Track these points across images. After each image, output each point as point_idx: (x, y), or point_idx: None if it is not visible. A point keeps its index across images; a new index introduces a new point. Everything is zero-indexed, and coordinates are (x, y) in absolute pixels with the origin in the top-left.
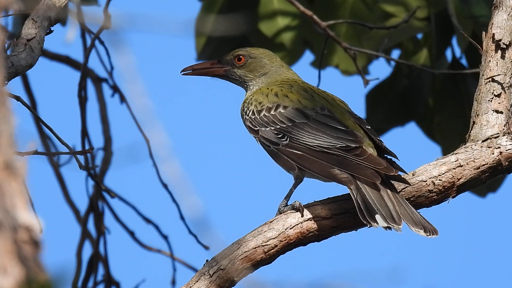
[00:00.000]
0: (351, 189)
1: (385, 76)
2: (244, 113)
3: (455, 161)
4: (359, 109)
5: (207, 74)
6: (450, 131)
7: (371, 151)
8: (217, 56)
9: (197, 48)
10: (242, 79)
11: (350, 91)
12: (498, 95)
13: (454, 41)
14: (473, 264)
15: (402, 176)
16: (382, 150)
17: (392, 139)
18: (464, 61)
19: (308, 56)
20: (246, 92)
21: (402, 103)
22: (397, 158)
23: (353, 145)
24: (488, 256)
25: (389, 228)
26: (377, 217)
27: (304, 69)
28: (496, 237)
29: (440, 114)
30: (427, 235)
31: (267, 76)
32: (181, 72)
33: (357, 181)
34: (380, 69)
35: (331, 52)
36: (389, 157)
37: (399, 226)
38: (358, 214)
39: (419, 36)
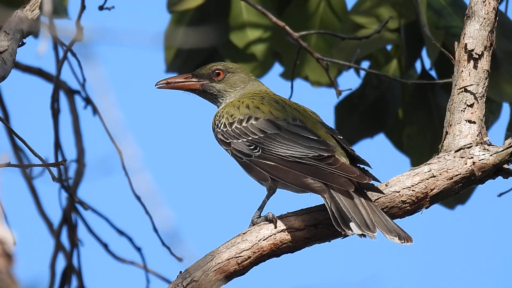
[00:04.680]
0: (325, 198)
1: (355, 87)
2: (215, 126)
3: (428, 171)
4: (328, 121)
5: (182, 88)
6: (420, 143)
7: (344, 160)
8: (187, 68)
9: (167, 61)
10: (221, 93)
11: (319, 103)
12: (471, 105)
13: (424, 53)
14: (445, 274)
15: (376, 186)
16: (354, 159)
17: (361, 150)
18: (433, 73)
19: (277, 68)
20: (218, 107)
21: (371, 114)
22: (370, 166)
23: (326, 154)
24: (457, 268)
25: (364, 235)
26: (352, 224)
27: (273, 80)
28: (463, 249)
29: (409, 125)
30: (402, 243)
31: (244, 90)
32: (155, 85)
33: (331, 190)
34: (349, 81)
35: (301, 63)
36: (362, 166)
37: (374, 234)
38: (332, 224)
39: (389, 47)
